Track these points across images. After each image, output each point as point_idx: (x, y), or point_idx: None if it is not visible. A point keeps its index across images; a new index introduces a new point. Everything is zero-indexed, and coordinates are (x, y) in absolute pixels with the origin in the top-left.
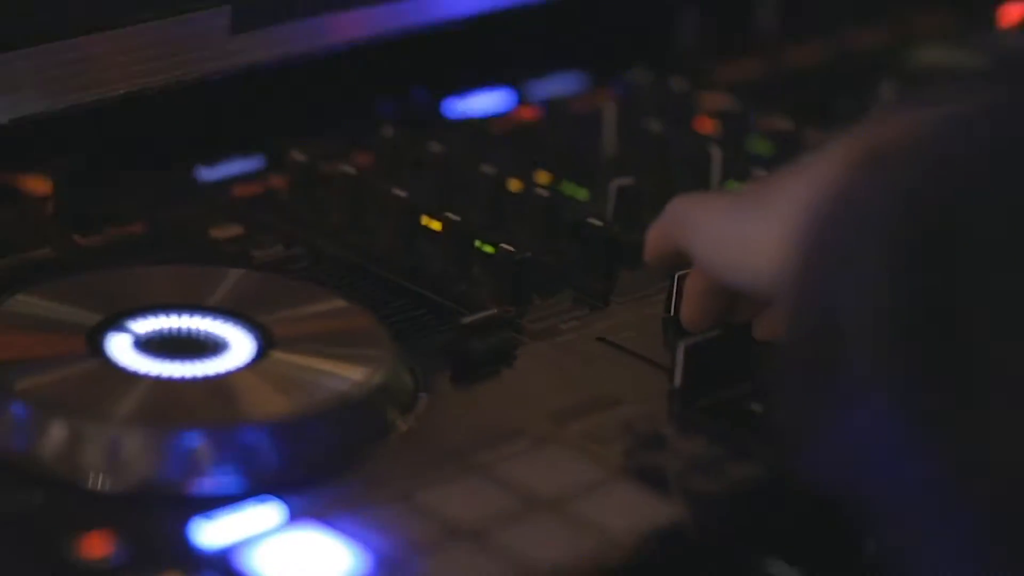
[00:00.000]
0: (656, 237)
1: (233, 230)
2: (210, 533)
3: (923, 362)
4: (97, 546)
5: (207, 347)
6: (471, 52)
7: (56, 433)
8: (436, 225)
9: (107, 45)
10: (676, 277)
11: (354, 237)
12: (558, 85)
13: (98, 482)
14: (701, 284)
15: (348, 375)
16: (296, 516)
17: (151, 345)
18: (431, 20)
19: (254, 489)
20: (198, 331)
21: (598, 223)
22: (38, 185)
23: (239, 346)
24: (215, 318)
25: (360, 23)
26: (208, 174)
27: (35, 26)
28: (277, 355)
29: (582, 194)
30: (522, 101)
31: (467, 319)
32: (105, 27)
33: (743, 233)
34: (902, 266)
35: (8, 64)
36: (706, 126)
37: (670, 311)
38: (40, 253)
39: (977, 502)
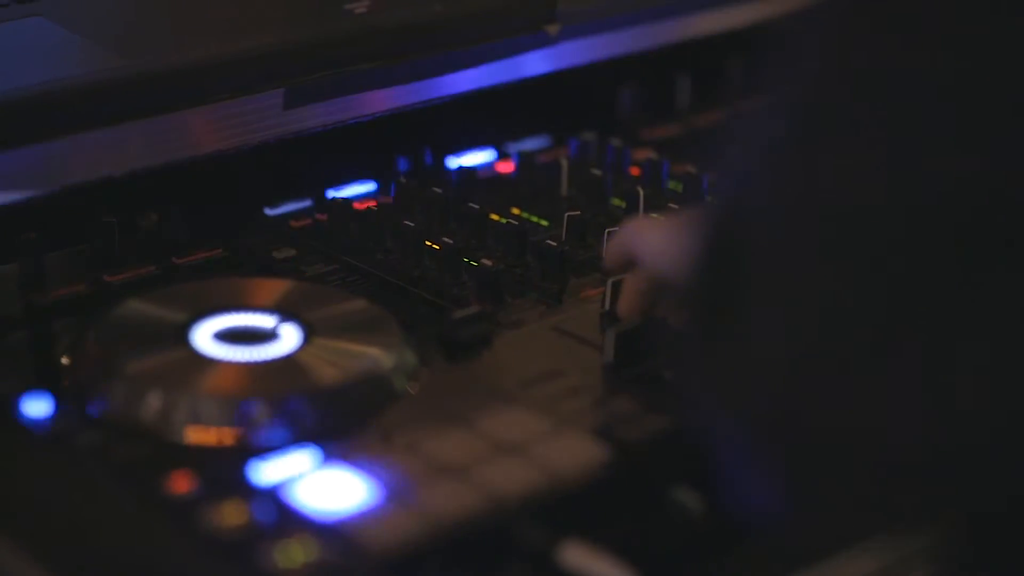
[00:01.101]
0: (615, 247)
1: (288, 252)
2: (265, 473)
3: (709, 312)
4: (182, 483)
5: (266, 337)
6: (463, 122)
7: (154, 402)
8: (436, 247)
9: (195, 117)
10: (610, 283)
11: (376, 256)
12: (527, 144)
13: (184, 437)
14: (637, 286)
15: (370, 355)
16: (328, 459)
17: (225, 336)
18: (434, 97)
19: (298, 440)
20: (259, 325)
21: (553, 244)
22: (146, 221)
23: (290, 336)
24: (272, 315)
25: (382, 100)
26: (270, 211)
27: (141, 103)
28: (318, 341)
29: (543, 223)
30: (500, 156)
31: (457, 314)
32: (193, 104)
33: (677, 244)
34: (705, 264)
35: (122, 132)
36: (635, 172)
37: (605, 307)
38: (147, 270)
39: (741, 397)
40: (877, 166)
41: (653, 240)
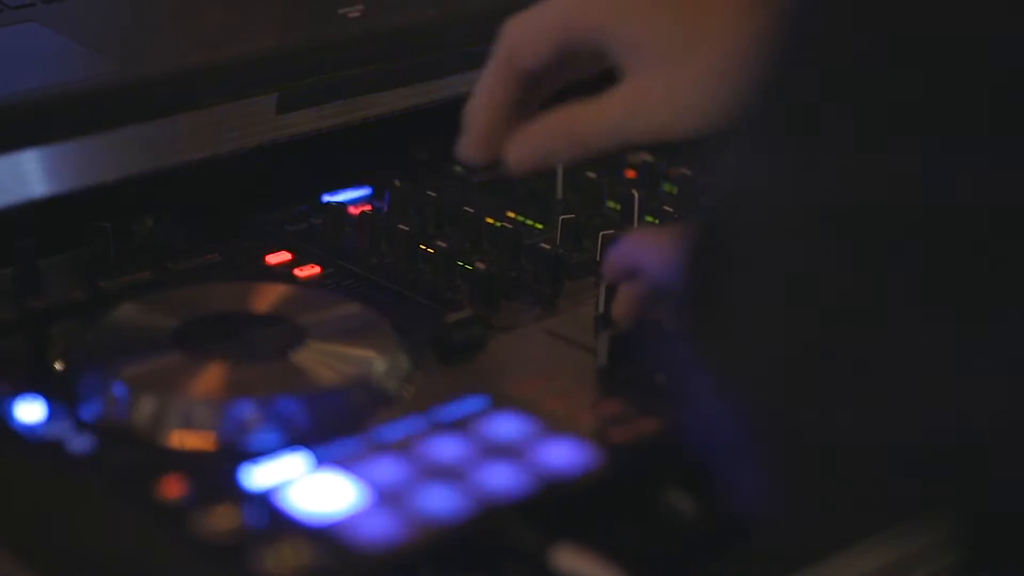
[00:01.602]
0: (616, 259)
1: (283, 256)
2: (256, 477)
3: (704, 313)
4: (173, 488)
5: (259, 340)
6: (458, 125)
7: (147, 406)
8: (430, 250)
9: (187, 122)
10: (604, 287)
11: (371, 260)
12: None
13: (177, 441)
14: (635, 292)
15: (363, 359)
16: (321, 462)
17: (218, 340)
18: (428, 100)
19: (291, 444)
20: (253, 329)
21: (547, 247)
22: (141, 226)
23: (282, 339)
24: (266, 319)
25: (377, 104)
26: (265, 215)
27: (136, 108)
28: (311, 345)
29: (538, 226)
30: None
31: (451, 318)
32: (187, 109)
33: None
34: (698, 262)
35: (116, 137)
36: (630, 175)
37: (598, 310)
38: (142, 275)
39: (738, 397)
40: (876, 166)
41: (658, 251)
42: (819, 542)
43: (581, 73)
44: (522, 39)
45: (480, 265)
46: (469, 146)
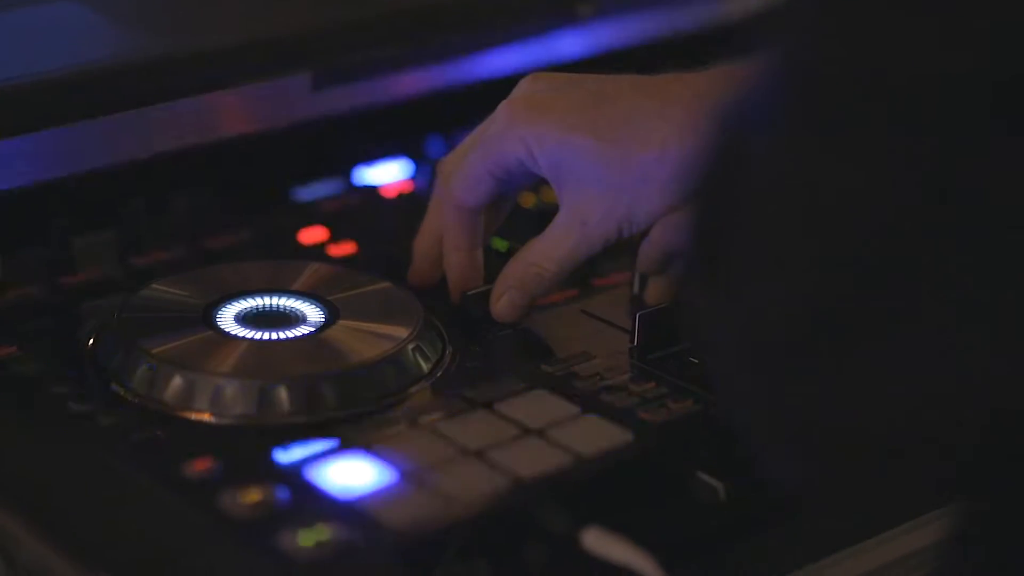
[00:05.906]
0: (652, 245)
1: (317, 235)
2: (284, 455)
3: (704, 265)
4: (202, 465)
5: (290, 318)
6: (495, 103)
7: (177, 383)
8: None
9: (222, 100)
10: (638, 274)
11: (404, 238)
12: None
13: (206, 417)
14: (670, 275)
15: (391, 336)
16: (349, 442)
17: (249, 318)
18: (465, 78)
19: (320, 422)
20: (283, 307)
21: None
22: (175, 203)
23: (313, 317)
24: (297, 298)
25: (413, 82)
26: (300, 194)
27: (171, 86)
28: (341, 323)
29: None
30: None
31: (472, 291)
32: (220, 87)
33: None
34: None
35: (151, 115)
36: None
37: (633, 290)
38: (176, 253)
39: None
40: (863, 157)
41: None
42: (847, 520)
43: (529, 183)
44: (457, 182)
45: (515, 246)
46: (413, 275)
